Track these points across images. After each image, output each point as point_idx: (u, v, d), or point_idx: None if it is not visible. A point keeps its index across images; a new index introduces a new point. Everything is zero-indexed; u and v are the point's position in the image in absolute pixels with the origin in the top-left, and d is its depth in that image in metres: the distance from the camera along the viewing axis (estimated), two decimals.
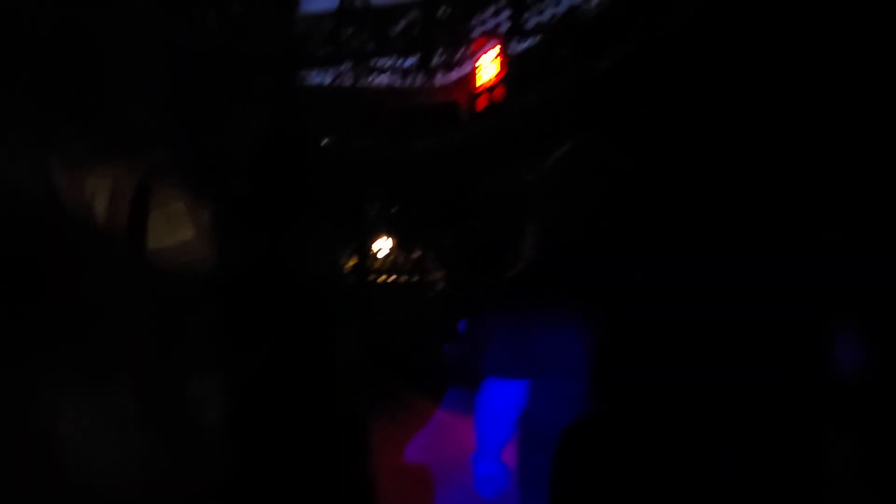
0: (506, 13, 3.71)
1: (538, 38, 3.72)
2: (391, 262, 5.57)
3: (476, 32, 3.71)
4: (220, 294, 1.33)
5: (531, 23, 3.72)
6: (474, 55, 3.86)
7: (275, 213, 1.48)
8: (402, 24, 3.50)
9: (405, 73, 3.85)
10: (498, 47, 3.76)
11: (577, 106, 3.31)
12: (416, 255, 5.41)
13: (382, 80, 4.02)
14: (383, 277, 5.48)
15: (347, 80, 3.98)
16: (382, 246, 5.54)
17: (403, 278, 5.42)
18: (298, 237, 1.49)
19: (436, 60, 3.72)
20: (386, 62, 3.77)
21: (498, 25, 3.78)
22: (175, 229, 1.27)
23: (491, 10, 3.73)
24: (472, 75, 3.94)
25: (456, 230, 4.62)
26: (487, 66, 3.83)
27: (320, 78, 3.92)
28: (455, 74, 3.92)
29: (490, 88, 3.82)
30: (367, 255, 5.58)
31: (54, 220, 1.11)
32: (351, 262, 5.71)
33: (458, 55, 3.78)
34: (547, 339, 0.93)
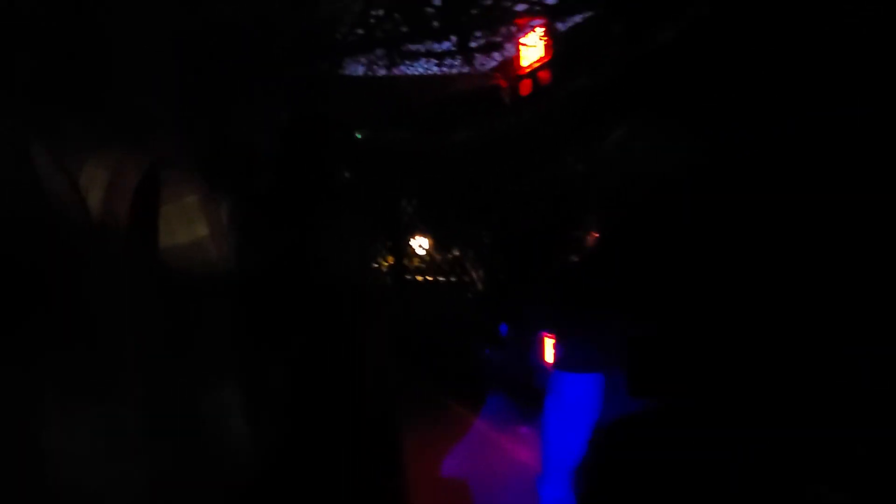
0: None
1: (588, 12, 3.35)
2: (428, 262, 5.38)
3: (519, 9, 3.37)
4: (240, 294, 1.24)
5: None
6: (517, 35, 3.53)
7: (299, 208, 1.40)
8: (436, 2, 3.20)
9: (441, 57, 3.55)
10: (543, 25, 3.42)
11: (631, 87, 3.01)
12: (454, 253, 5.18)
13: (417, 66, 3.74)
14: (420, 277, 5.31)
15: (379, 67, 3.72)
16: (419, 244, 5.36)
17: (441, 278, 5.22)
18: (324, 234, 1.41)
19: (474, 42, 3.41)
20: (420, 47, 3.49)
21: (542, 0, 3.43)
22: (190, 225, 1.17)
23: None
24: (515, 57, 3.61)
25: (497, 227, 4.37)
26: (532, 47, 3.50)
27: (349, 66, 3.67)
28: (496, 57, 3.60)
29: (535, 70, 3.49)
30: (403, 253, 5.41)
31: (50, 215, 1.04)
32: (386, 262, 5.55)
33: (500, 35, 3.46)
34: (610, 334, 0.89)
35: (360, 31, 3.31)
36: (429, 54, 3.54)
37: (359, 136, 5.05)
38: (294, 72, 3.15)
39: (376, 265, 5.54)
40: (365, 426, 1.33)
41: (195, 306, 1.15)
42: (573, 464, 0.93)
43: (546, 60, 3.40)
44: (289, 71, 2.94)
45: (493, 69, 3.74)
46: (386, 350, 1.48)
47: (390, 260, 5.58)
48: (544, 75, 3.41)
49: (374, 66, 3.77)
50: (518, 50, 3.56)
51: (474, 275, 4.88)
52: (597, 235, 1.02)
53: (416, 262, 5.50)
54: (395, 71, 3.85)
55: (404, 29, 3.26)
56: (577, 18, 3.38)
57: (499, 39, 3.38)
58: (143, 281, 1.11)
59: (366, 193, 5.29)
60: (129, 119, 1.16)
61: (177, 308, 1.12)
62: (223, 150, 1.66)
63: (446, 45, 3.44)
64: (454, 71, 3.71)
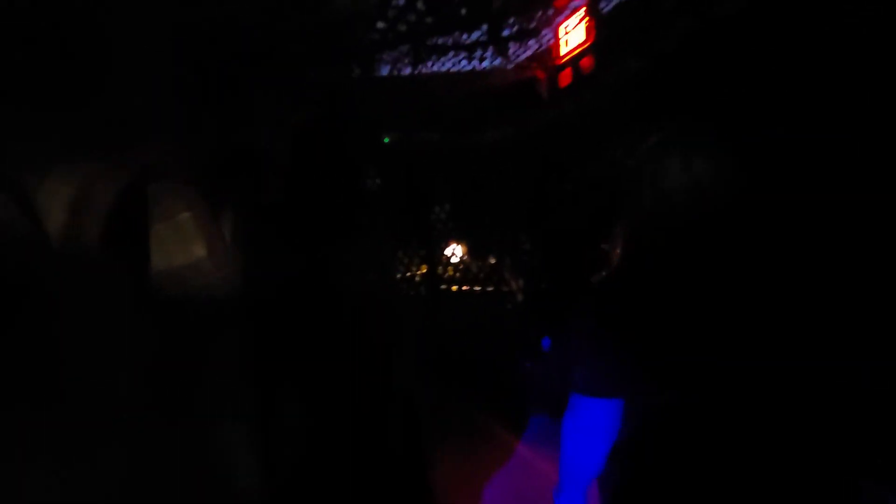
0: None
1: None
2: (464, 270, 5.09)
3: None
4: (247, 322, 1.20)
5: None
6: (555, 19, 3.18)
7: (315, 222, 1.37)
8: None
9: (471, 50, 3.24)
10: (584, 7, 3.06)
11: (686, 73, 2.63)
12: (491, 261, 4.87)
13: (445, 61, 3.44)
14: (455, 287, 5.03)
15: (404, 65, 3.45)
16: (454, 252, 5.08)
17: (478, 287, 4.91)
18: (344, 248, 1.38)
19: (507, 30, 3.08)
20: (447, 39, 3.19)
21: None
22: (185, 245, 1.10)
23: None
24: (553, 44, 3.26)
25: (536, 232, 4.04)
26: (572, 32, 3.14)
27: (372, 64, 3.40)
28: (532, 45, 3.25)
29: (576, 58, 3.13)
30: (436, 262, 5.16)
31: (22, 237, 0.91)
32: (419, 271, 5.31)
33: (535, 21, 3.12)
34: (639, 355, 0.88)
35: (381, 25, 3.05)
36: (457, 47, 3.24)
37: (386, 139, 4.85)
38: (311, 72, 2.94)
39: (409, 274, 5.33)
40: (389, 456, 1.31)
41: (195, 338, 1.09)
42: (588, 480, 0.95)
43: (588, 45, 3.04)
44: (305, 71, 2.73)
45: (529, 59, 3.40)
46: (412, 374, 1.45)
47: (423, 269, 5.33)
48: (587, 62, 3.05)
49: (399, 64, 3.50)
50: (556, 36, 3.21)
51: (513, 284, 4.55)
52: (624, 252, 0.98)
53: (450, 271, 5.22)
54: (422, 69, 3.57)
55: (428, 20, 2.97)
56: None
57: (534, 25, 3.04)
58: (130, 311, 1.03)
59: (395, 200, 5.11)
60: (106, 123, 1.06)
61: (173, 340, 1.06)
62: (227, 158, 1.42)
63: (476, 35, 3.13)
64: (485, 64, 3.40)
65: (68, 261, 0.94)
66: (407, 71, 3.57)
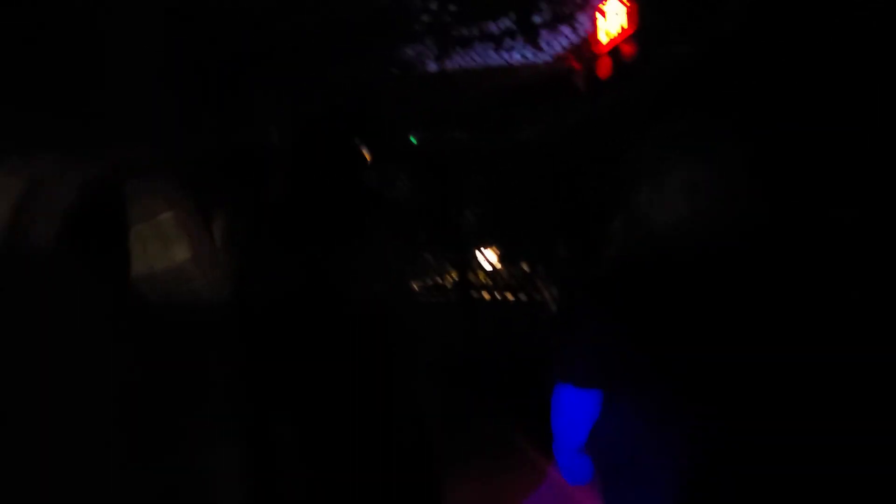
0: None
1: None
2: (495, 278, 4.84)
3: None
4: (238, 333, 1.11)
5: None
6: (591, 4, 2.88)
7: (317, 225, 1.26)
8: None
9: (499, 40, 2.97)
10: None
11: (739, 58, 2.31)
12: (524, 268, 4.61)
13: (472, 54, 3.19)
14: (487, 294, 4.78)
15: (429, 60, 3.22)
16: (486, 257, 4.83)
17: (509, 296, 4.65)
18: (349, 255, 1.26)
19: (540, 18, 2.80)
20: (473, 30, 2.93)
21: None
22: (167, 247, 1.02)
23: None
24: (591, 33, 2.96)
25: (573, 239, 3.75)
26: (612, 18, 2.83)
27: (395, 59, 3.19)
28: (567, 34, 2.96)
29: (616, 47, 2.83)
30: (467, 267, 4.92)
31: None
32: (450, 277, 5.11)
33: (571, 7, 2.83)
34: (626, 351, 0.86)
35: (403, 17, 2.83)
36: (484, 37, 2.98)
37: (414, 140, 4.66)
38: (321, 70, 2.76)
39: (439, 280, 5.14)
40: (394, 480, 1.21)
41: (178, 351, 0.98)
42: (580, 441, 0.97)
43: (630, 32, 2.73)
44: (313, 69, 2.55)
45: (564, 49, 3.10)
46: (424, 396, 1.34)
47: (454, 275, 5.12)
48: (628, 50, 2.74)
49: (424, 59, 3.27)
50: (595, 23, 2.90)
51: (546, 292, 4.26)
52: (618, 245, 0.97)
53: (482, 277, 4.98)
54: (448, 63, 3.33)
55: (453, 8, 2.73)
56: None
57: (567, 11, 2.76)
58: (100, 320, 0.93)
59: (422, 203, 4.94)
60: (73, 112, 0.97)
61: (152, 353, 0.95)
62: (222, 155, 1.38)
63: (504, 24, 2.86)
64: (516, 56, 3.13)
65: (13, 264, 0.87)
66: (432, 66, 3.34)
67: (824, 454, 0.76)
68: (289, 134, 1.53)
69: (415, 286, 5.53)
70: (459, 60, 3.36)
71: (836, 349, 0.80)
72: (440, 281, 5.25)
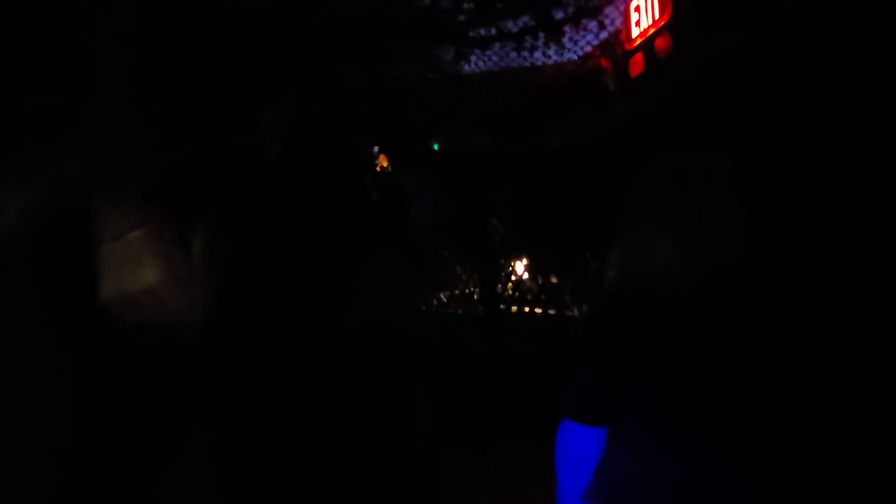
0: None
1: None
2: (524, 291, 4.59)
3: None
4: (216, 362, 1.03)
5: None
6: None
7: (309, 241, 1.16)
8: None
9: (519, 39, 2.72)
10: None
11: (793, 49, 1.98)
12: (553, 281, 4.34)
13: (490, 56, 2.95)
14: (514, 307, 4.55)
15: (445, 63, 3.00)
16: (513, 269, 4.60)
17: (538, 310, 4.40)
18: (344, 274, 1.16)
19: (560, 12, 2.53)
20: (490, 29, 2.69)
21: None
22: (138, 268, 0.97)
23: None
24: (622, 25, 2.67)
25: (606, 251, 3.46)
26: (645, 8, 2.54)
27: (408, 63, 2.99)
28: (593, 28, 2.68)
29: (649, 40, 2.53)
30: (493, 281, 4.70)
31: None
32: (475, 290, 4.90)
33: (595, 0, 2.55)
34: (631, 383, 0.82)
35: (410, 18, 2.62)
36: (503, 37, 2.73)
37: (436, 146, 4.46)
38: (336, 72, 2.60)
39: (466, 291, 4.94)
40: None
41: (148, 382, 0.93)
42: (582, 485, 0.93)
43: (664, 22, 2.43)
44: (304, 74, 2.38)
45: (591, 46, 2.82)
46: (426, 432, 1.25)
47: (481, 287, 4.89)
48: (661, 45, 2.44)
49: (440, 62, 3.06)
50: (626, 14, 2.61)
51: (577, 309, 3.99)
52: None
53: (510, 290, 4.75)
54: (466, 67, 3.11)
55: (467, 5, 2.50)
56: None
57: (594, 3, 2.48)
58: (60, 345, 0.88)
59: (448, 212, 4.76)
60: (30, 116, 0.89)
61: (119, 384, 0.90)
62: (202, 166, 1.32)
63: (524, 20, 2.61)
64: (538, 55, 2.87)
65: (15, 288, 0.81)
66: (449, 69, 3.13)
67: (842, 482, 0.71)
68: (281, 141, 1.42)
69: (442, 297, 5.35)
70: (478, 63, 3.13)
71: (843, 380, 0.75)
72: (467, 292, 5.05)
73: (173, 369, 1.00)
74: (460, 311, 4.98)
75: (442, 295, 5.31)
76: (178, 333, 0.99)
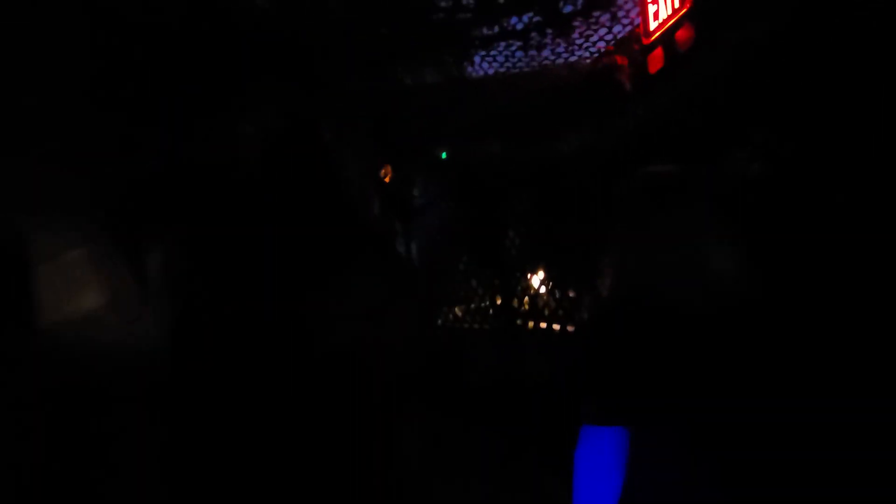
0: None
1: None
2: (540, 305, 4.35)
3: None
4: (172, 395, 1.03)
5: None
6: None
7: (281, 260, 1.17)
8: None
9: (525, 37, 2.51)
10: None
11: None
12: (569, 295, 4.10)
13: (496, 57, 2.75)
14: (532, 323, 4.31)
15: (448, 66, 2.81)
16: (525, 284, 4.37)
17: (556, 327, 4.16)
18: (322, 295, 1.19)
19: (569, 6, 2.31)
20: (493, 28, 2.49)
21: None
22: (76, 292, 0.98)
23: None
24: (639, 17, 2.44)
25: (623, 263, 3.21)
26: None
27: (413, 68, 2.81)
28: (606, 22, 2.46)
29: (669, 32, 2.29)
30: (510, 295, 4.47)
31: None
32: (491, 303, 4.69)
33: None
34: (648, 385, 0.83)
35: (413, 20, 2.44)
36: (508, 35, 2.53)
37: (444, 154, 4.28)
38: (345, 83, 2.44)
39: (482, 305, 4.74)
40: None
41: (90, 417, 0.94)
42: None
43: (684, 11, 2.19)
44: (327, 76, 2.22)
45: (605, 42, 2.59)
46: (402, 461, 1.29)
47: (497, 301, 4.68)
48: (683, 37, 2.20)
49: (443, 65, 2.87)
50: (644, 6, 2.38)
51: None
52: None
53: (526, 305, 4.52)
54: (471, 69, 2.92)
55: (468, 2, 2.31)
56: None
57: None
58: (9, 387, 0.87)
59: (461, 223, 4.58)
60: None
61: (57, 418, 0.92)
62: (158, 179, 1.21)
63: (529, 17, 2.40)
64: (546, 54, 2.66)
65: None
66: (453, 73, 2.94)
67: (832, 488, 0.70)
68: (248, 154, 1.33)
69: (457, 312, 5.15)
70: (482, 64, 2.94)
71: (835, 393, 0.74)
72: (482, 307, 4.85)
73: (117, 399, 0.95)
74: (476, 326, 4.78)
75: (457, 309, 5.11)
76: (125, 362, 0.94)
